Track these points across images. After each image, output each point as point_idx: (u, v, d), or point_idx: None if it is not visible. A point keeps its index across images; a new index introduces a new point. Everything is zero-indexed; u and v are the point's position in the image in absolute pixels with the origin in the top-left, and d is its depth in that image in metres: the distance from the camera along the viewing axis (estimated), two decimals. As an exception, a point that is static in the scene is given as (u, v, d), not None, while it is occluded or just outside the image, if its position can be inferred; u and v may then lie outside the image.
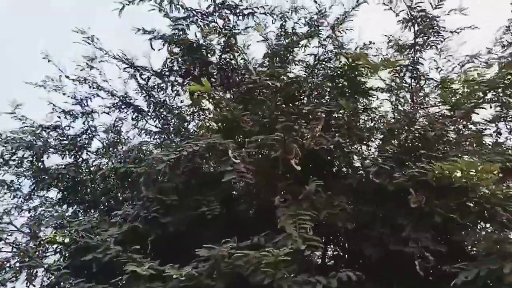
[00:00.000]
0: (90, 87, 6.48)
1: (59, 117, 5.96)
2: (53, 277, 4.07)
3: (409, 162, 3.84)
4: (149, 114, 6.93)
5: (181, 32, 4.87)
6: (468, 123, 4.77)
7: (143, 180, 4.60)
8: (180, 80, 5.30)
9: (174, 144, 5.47)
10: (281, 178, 3.98)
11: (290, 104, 3.74)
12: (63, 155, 5.94)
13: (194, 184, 4.94)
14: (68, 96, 6.42)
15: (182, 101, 5.66)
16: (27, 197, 6.21)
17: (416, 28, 4.94)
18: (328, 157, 4.08)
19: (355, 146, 4.36)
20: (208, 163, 4.84)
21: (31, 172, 5.85)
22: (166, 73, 5.23)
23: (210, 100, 3.28)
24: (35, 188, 6.08)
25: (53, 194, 6.20)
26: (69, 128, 5.98)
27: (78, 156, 5.93)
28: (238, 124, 3.55)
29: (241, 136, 4.21)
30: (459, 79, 5.07)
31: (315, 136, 3.31)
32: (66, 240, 4.97)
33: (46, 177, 5.74)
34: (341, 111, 4.33)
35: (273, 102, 3.64)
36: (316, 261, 4.24)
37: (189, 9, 4.79)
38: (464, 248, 3.82)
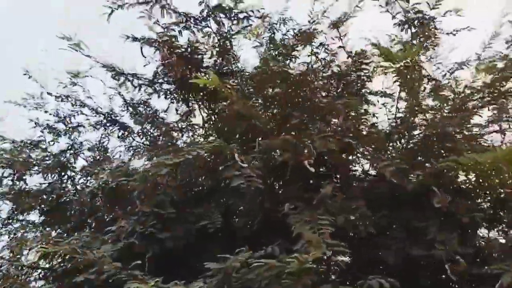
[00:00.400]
0: (73, 105, 6.22)
1: (42, 131, 5.59)
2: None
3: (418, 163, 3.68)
4: (136, 132, 6.68)
5: (173, 39, 4.64)
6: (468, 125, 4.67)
7: (137, 193, 4.30)
8: (173, 88, 5.02)
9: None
10: (288, 184, 3.74)
11: (303, 99, 3.51)
12: (46, 174, 5.55)
13: (191, 197, 4.66)
14: (50, 114, 6.12)
15: (176, 110, 5.34)
16: (6, 221, 5.77)
17: (413, 30, 4.86)
18: (335, 161, 3.85)
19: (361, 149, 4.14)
20: (206, 174, 4.56)
21: (11, 194, 5.42)
22: (159, 81, 4.95)
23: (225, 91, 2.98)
24: (15, 211, 5.65)
25: (34, 217, 5.80)
26: (53, 143, 5.61)
27: (63, 174, 5.53)
28: (249, 122, 3.28)
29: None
30: (450, 85, 5.00)
31: (341, 128, 3.08)
32: (50, 264, 4.59)
33: (28, 199, 5.33)
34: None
35: (286, 96, 3.39)
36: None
37: (182, 14, 4.57)
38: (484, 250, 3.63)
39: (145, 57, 4.86)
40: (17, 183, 5.21)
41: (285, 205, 3.56)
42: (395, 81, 4.49)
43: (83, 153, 6.15)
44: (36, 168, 5.24)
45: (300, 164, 3.35)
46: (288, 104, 3.42)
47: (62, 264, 4.77)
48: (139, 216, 4.02)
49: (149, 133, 6.69)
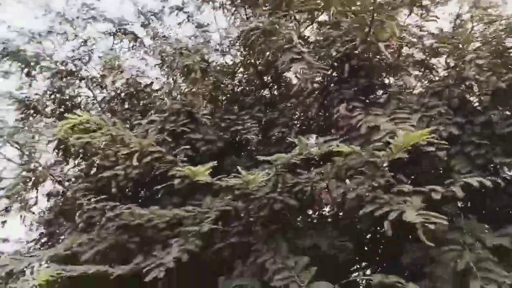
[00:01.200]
0: (78, 10, 5.62)
1: (52, 21, 5.02)
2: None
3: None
4: (148, 46, 6.13)
5: None
6: None
7: (166, 92, 3.85)
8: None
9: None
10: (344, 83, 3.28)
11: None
12: (57, 77, 5.00)
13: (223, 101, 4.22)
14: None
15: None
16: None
17: None
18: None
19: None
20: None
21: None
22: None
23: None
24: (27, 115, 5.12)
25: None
26: (65, 35, 5.05)
27: (75, 75, 5.01)
28: None
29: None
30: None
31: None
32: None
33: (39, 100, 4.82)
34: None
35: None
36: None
37: None
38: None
39: None
40: (26, 78, 4.67)
41: (341, 106, 3.12)
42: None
43: (93, 60, 5.63)
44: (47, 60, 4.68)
45: (369, 53, 2.87)
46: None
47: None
48: (169, 114, 3.58)
49: (160, 48, 6.19)
